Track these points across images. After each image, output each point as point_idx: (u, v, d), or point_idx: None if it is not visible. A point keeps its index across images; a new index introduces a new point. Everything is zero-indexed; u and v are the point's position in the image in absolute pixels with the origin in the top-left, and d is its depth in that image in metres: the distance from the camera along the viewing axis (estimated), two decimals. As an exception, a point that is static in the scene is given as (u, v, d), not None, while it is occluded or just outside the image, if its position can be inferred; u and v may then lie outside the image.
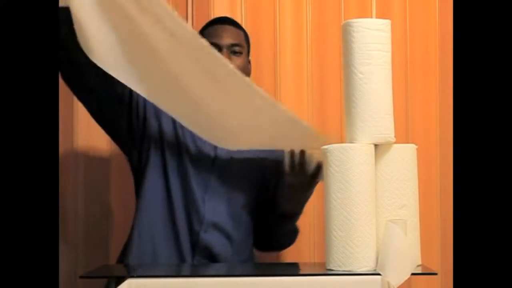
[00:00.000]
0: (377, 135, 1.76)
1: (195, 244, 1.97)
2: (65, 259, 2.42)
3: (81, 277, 2.12)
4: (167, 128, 2.03)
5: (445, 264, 2.45)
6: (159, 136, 2.03)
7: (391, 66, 1.80)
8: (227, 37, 2.07)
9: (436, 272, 1.80)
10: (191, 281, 1.69)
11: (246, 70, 2.10)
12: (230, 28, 2.10)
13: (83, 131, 2.47)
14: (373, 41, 1.76)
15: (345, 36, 1.78)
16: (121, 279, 1.66)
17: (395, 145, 1.80)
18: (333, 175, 1.72)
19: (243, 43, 2.12)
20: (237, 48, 2.08)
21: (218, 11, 2.50)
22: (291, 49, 2.51)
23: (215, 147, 2.01)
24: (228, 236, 2.00)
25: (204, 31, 2.11)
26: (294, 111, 2.33)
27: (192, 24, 2.50)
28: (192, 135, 2.00)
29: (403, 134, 2.48)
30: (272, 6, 2.52)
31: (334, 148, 1.73)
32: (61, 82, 2.41)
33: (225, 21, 2.14)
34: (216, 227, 1.99)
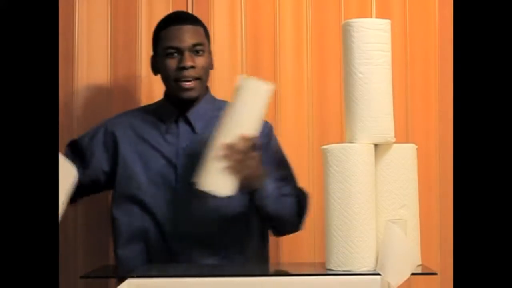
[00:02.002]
0: (377, 135, 1.76)
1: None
2: (65, 259, 2.42)
3: (81, 277, 2.12)
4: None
5: (445, 264, 2.45)
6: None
7: (391, 66, 1.80)
8: (188, 39, 2.03)
9: (436, 272, 1.80)
10: (191, 281, 1.68)
11: (210, 66, 2.09)
12: (189, 28, 2.05)
13: (83, 131, 2.47)
14: (373, 41, 1.76)
15: (345, 36, 1.78)
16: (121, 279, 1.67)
17: (395, 145, 1.80)
18: (333, 175, 1.72)
19: (204, 40, 2.07)
20: (199, 48, 2.04)
21: (218, 11, 2.50)
22: (291, 49, 2.51)
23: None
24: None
25: (162, 32, 2.06)
26: (294, 111, 2.35)
27: (192, 24, 2.50)
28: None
29: (403, 134, 2.48)
30: (272, 6, 2.52)
31: (334, 148, 1.73)
32: (61, 81, 2.42)
33: (183, 20, 2.08)
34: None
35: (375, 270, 1.69)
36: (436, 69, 2.55)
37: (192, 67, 2.02)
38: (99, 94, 2.49)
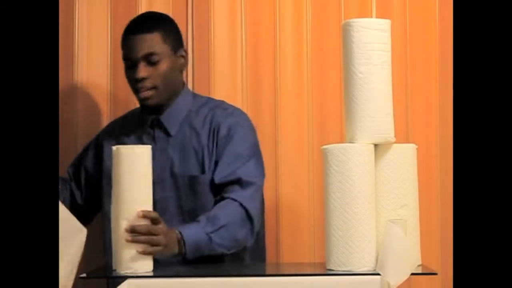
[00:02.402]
0: (377, 135, 1.76)
1: None
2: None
3: (81, 277, 2.12)
4: None
5: (445, 264, 2.45)
6: None
7: (391, 66, 1.80)
8: (140, 50, 2.00)
9: (436, 272, 1.80)
10: (191, 281, 1.68)
11: (171, 74, 2.05)
12: (142, 38, 2.01)
13: (83, 131, 2.47)
14: (373, 41, 1.76)
15: (345, 36, 1.78)
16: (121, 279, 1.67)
17: (395, 145, 1.80)
18: (333, 175, 1.72)
19: (160, 47, 2.02)
20: (152, 58, 2.01)
21: (218, 11, 2.49)
22: (291, 49, 2.51)
23: None
24: None
25: (122, 41, 2.06)
26: (294, 111, 2.35)
27: (192, 24, 2.50)
28: None
29: (403, 134, 2.48)
30: (272, 6, 2.52)
31: (334, 148, 1.73)
32: (61, 81, 2.42)
33: (136, 29, 2.04)
34: None
35: (375, 270, 1.69)
36: (436, 69, 2.55)
37: (145, 78, 2.00)
38: (99, 94, 2.49)
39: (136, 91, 2.04)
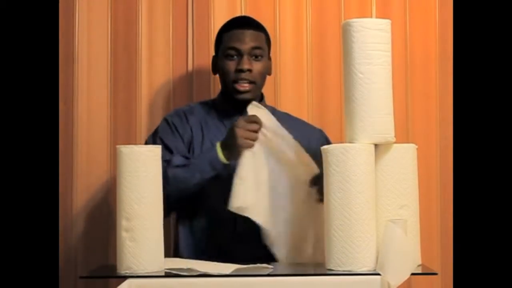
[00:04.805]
0: (377, 135, 1.76)
1: None
2: (65, 259, 2.42)
3: (81, 277, 2.12)
4: None
5: (445, 264, 2.45)
6: None
7: (391, 66, 1.80)
8: (248, 42, 2.12)
9: (436, 272, 1.80)
10: (191, 281, 1.68)
11: (266, 71, 2.17)
12: (251, 33, 2.14)
13: (83, 131, 2.47)
14: (373, 41, 1.76)
15: (345, 36, 1.78)
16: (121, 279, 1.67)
17: (395, 145, 1.80)
18: (333, 175, 1.72)
19: (264, 45, 2.16)
20: (257, 52, 2.12)
21: (218, 11, 2.50)
22: (291, 49, 2.51)
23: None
24: None
25: (224, 34, 2.15)
26: (294, 111, 2.35)
27: (192, 24, 2.50)
28: None
29: (403, 134, 2.48)
30: (272, 6, 2.52)
31: (334, 148, 1.73)
32: (61, 81, 2.42)
33: (246, 24, 2.17)
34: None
35: (375, 270, 1.69)
36: (436, 69, 2.55)
37: (249, 70, 2.10)
38: (99, 94, 2.49)
39: (234, 81, 2.11)
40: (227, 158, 1.97)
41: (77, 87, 2.47)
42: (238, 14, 2.49)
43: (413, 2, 2.56)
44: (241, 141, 1.93)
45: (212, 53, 2.22)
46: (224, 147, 1.98)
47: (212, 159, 1.99)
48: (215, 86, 2.46)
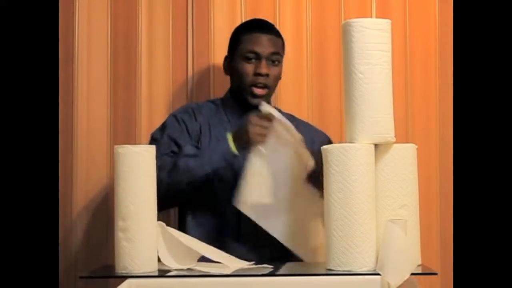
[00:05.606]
0: (377, 135, 1.76)
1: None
2: (65, 259, 2.42)
3: (81, 277, 2.12)
4: None
5: (445, 264, 2.45)
6: None
7: (391, 66, 1.80)
8: (269, 47, 2.13)
9: (436, 272, 1.80)
10: (191, 281, 1.69)
11: (278, 79, 2.19)
12: (271, 38, 2.16)
13: (83, 132, 2.47)
14: (373, 41, 1.76)
15: (345, 36, 1.78)
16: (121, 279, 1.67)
17: (395, 145, 1.80)
18: (333, 175, 1.72)
19: (281, 51, 2.18)
20: (275, 57, 2.14)
21: (218, 11, 2.50)
22: (291, 49, 2.51)
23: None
24: None
25: (243, 36, 2.15)
26: (294, 111, 2.35)
27: (192, 24, 2.50)
28: None
29: (403, 134, 2.48)
30: (272, 6, 2.52)
31: (334, 148, 1.73)
32: (61, 81, 2.42)
33: (266, 29, 2.18)
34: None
35: (375, 270, 1.69)
36: (436, 69, 2.55)
37: (267, 75, 2.12)
38: (99, 94, 2.49)
39: (251, 85, 2.12)
40: (238, 150, 1.98)
41: (77, 87, 2.48)
42: (238, 15, 2.49)
43: (413, 2, 2.56)
44: (253, 137, 1.94)
45: (212, 53, 2.22)
46: (235, 139, 1.99)
47: (223, 150, 1.99)
48: (215, 86, 2.46)
